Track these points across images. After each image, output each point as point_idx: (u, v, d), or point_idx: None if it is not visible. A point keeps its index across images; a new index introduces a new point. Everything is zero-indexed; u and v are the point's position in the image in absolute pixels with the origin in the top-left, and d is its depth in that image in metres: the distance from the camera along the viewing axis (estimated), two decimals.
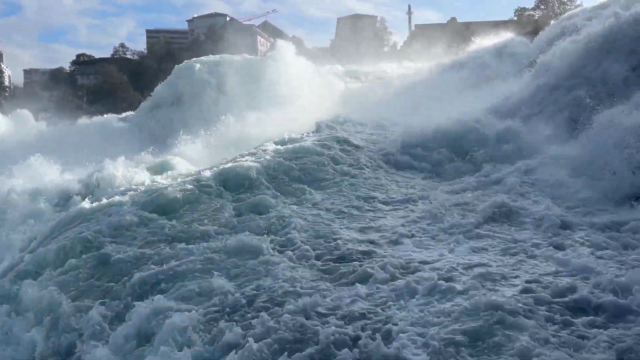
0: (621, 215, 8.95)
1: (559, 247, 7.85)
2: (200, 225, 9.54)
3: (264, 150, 13.65)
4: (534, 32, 33.82)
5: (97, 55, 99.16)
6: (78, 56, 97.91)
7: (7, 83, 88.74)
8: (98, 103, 71.95)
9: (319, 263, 7.95)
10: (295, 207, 10.36)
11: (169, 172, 13.57)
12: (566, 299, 6.29)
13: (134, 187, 12.16)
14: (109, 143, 27.16)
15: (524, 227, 8.86)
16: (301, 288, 7.15)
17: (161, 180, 12.66)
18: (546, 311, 6.08)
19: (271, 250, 8.38)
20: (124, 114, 45.11)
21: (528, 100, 16.48)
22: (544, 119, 14.70)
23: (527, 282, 6.79)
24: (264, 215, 9.89)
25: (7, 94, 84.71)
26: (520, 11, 58.69)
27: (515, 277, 7.01)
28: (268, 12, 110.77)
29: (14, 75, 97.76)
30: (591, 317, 5.94)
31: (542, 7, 56.59)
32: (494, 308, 6.02)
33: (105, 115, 44.41)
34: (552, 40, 21.93)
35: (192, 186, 11.16)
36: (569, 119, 14.44)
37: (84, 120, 44.61)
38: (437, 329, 5.87)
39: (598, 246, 7.77)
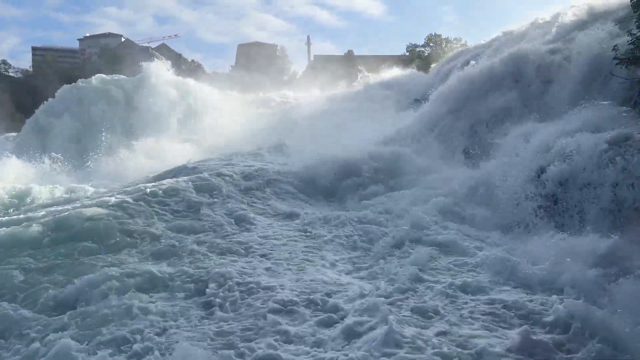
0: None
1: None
2: None
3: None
4: (425, 67, 36.06)
5: None
6: None
7: None
8: None
9: None
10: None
11: None
12: None
13: None
14: None
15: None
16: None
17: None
18: None
19: None
20: (6, 135, 41.85)
21: (419, 131, 17.46)
22: (433, 149, 15.64)
23: None
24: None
25: None
26: (412, 47, 62.33)
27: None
28: (170, 36, 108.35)
29: None
30: None
31: (432, 44, 60.51)
32: None
33: None
34: (442, 75, 23.54)
35: None
36: (457, 149, 15.47)
37: None
38: None
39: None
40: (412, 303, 7.13)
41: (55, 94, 34.36)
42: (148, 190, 12.00)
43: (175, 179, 13.45)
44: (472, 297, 7.30)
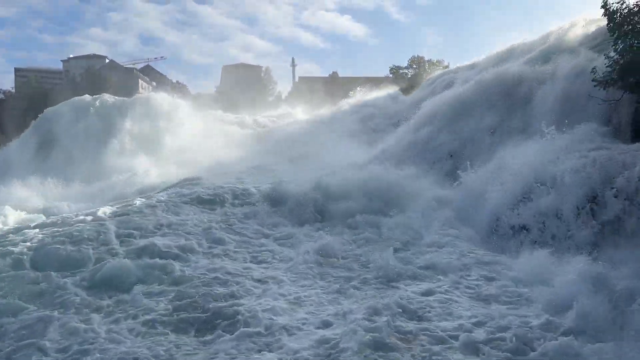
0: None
1: None
2: None
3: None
4: (408, 88, 36.43)
5: None
6: None
7: None
8: None
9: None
10: None
11: None
12: None
13: None
14: None
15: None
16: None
17: None
18: None
19: None
20: None
21: (403, 151, 17.58)
22: (417, 169, 15.71)
23: None
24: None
25: None
26: (395, 69, 63.07)
27: None
28: (156, 58, 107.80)
29: None
30: None
31: (414, 66, 61.28)
32: None
33: None
34: (424, 96, 23.81)
35: None
36: (442, 169, 15.58)
37: None
38: None
39: None
40: None
41: (32, 122, 34.04)
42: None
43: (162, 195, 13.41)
44: None
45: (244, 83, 76.78)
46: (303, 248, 10.38)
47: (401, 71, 61.65)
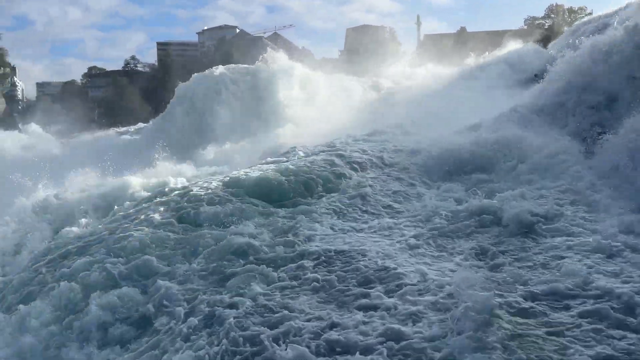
0: None
1: None
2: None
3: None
4: (545, 40, 33.72)
5: (108, 68, 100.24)
6: (89, 69, 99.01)
7: (20, 97, 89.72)
8: (109, 115, 72.48)
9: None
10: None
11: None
12: None
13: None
14: (124, 155, 27.18)
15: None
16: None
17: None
18: None
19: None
20: (138, 126, 45.59)
21: (540, 110, 16.28)
22: (557, 129, 14.50)
23: None
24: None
25: (20, 108, 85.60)
26: (530, 20, 58.55)
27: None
28: (284, 26, 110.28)
29: (27, 89, 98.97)
30: None
31: (553, 15, 56.40)
32: None
33: (120, 129, 45.08)
34: (564, 48, 21.76)
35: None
36: (582, 128, 14.25)
37: (99, 134, 45.19)
38: None
39: None
40: None
41: (175, 89, 36.53)
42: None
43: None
44: None
45: (368, 45, 75.97)
46: None
47: (537, 22, 57.10)
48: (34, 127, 48.52)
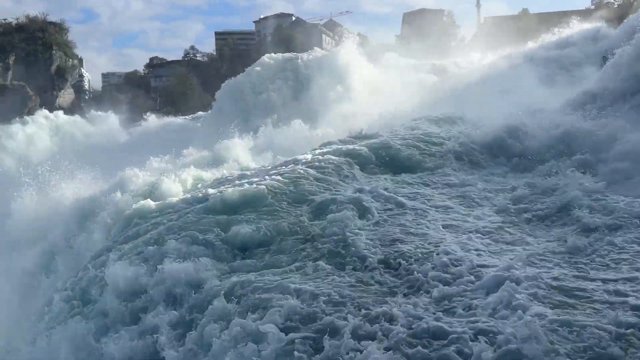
0: None
1: None
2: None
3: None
4: (615, 21, 32.05)
5: (169, 58, 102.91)
6: (151, 59, 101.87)
7: (86, 87, 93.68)
8: (170, 104, 74.66)
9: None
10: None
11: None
12: None
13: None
14: (188, 141, 28.07)
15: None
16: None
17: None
18: None
19: None
20: (197, 114, 46.83)
21: (607, 93, 15.60)
22: (624, 113, 13.87)
23: None
24: None
25: (87, 97, 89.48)
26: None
27: None
28: (341, 13, 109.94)
29: (93, 80, 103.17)
30: None
31: None
32: None
33: (180, 118, 46.50)
34: (635, 29, 20.64)
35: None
36: None
37: (162, 121, 46.84)
38: None
39: None
40: None
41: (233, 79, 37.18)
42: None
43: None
44: None
45: (425, 29, 74.46)
46: None
47: (606, 1, 54.31)
48: (101, 115, 50.76)
